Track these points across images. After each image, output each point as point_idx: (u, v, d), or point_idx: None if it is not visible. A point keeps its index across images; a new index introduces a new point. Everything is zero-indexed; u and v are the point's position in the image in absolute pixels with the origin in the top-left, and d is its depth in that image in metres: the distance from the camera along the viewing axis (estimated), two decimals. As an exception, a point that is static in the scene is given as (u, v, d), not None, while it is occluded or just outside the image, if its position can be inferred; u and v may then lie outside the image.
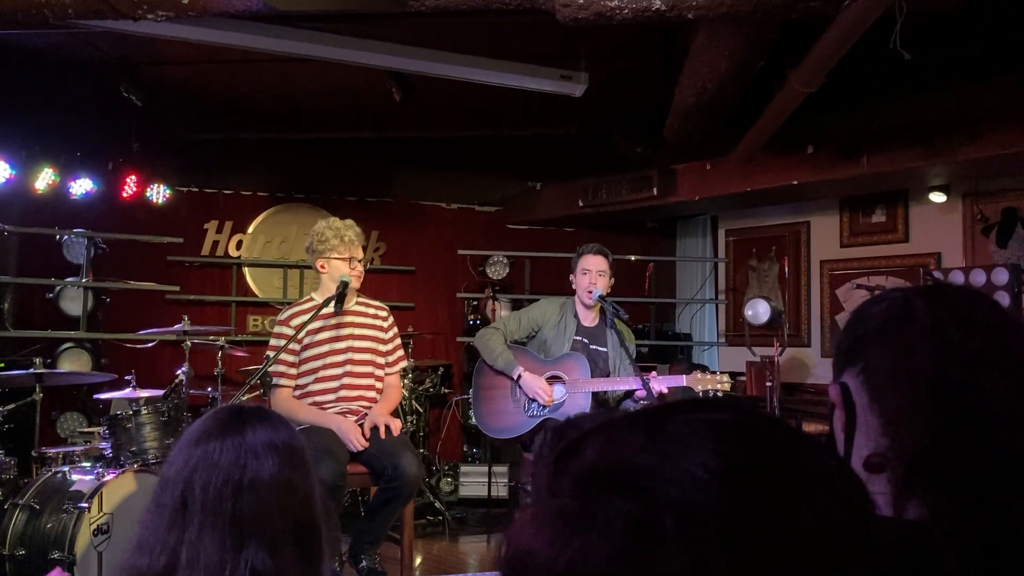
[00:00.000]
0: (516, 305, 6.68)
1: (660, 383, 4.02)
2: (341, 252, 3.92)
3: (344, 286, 3.84)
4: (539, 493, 0.57)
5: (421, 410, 6.44)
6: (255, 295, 7.02)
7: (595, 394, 4.21)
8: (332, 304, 3.83)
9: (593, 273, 4.28)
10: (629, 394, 4.23)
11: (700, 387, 4.08)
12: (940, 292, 0.96)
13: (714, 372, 4.18)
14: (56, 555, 3.62)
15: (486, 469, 6.38)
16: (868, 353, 0.95)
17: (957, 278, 5.14)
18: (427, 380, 6.56)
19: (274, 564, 1.37)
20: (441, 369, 6.82)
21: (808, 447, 0.56)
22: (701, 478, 0.50)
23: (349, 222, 4.03)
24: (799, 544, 0.50)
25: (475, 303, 7.17)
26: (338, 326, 3.94)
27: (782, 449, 0.54)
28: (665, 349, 7.18)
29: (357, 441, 3.68)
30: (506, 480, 6.39)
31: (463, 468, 6.52)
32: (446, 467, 6.58)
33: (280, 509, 1.40)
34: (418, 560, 5.17)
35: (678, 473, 0.51)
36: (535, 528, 0.54)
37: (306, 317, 3.85)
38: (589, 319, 4.41)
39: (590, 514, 0.51)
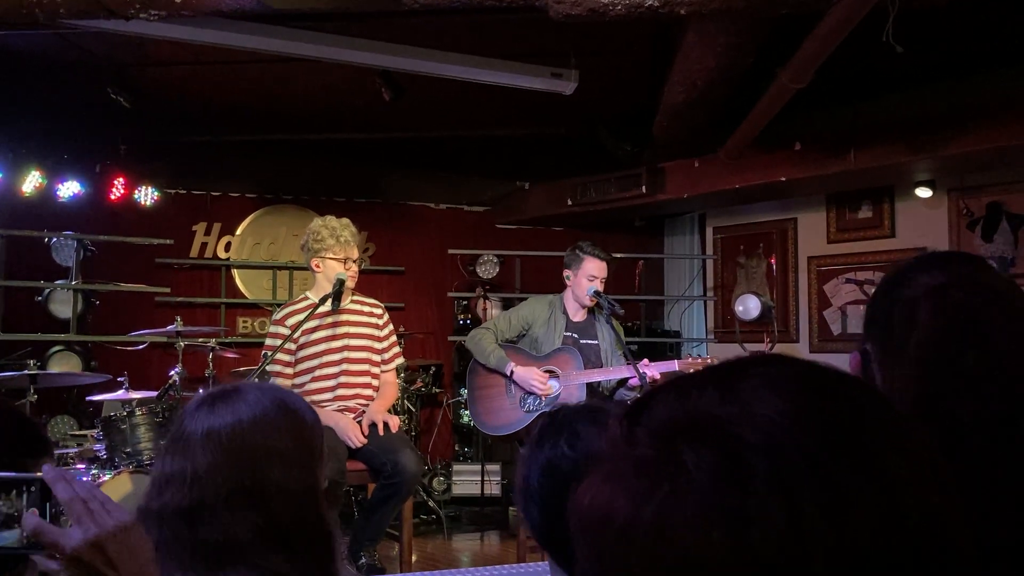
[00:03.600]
0: (507, 304, 6.70)
1: (653, 369, 4.05)
2: (336, 252, 3.92)
3: (340, 284, 3.85)
4: (611, 450, 0.56)
5: (413, 409, 6.45)
6: (244, 297, 6.99)
7: (589, 385, 4.23)
8: (329, 303, 3.83)
9: (599, 280, 4.30)
10: (623, 383, 4.26)
11: (692, 371, 4.11)
12: (977, 276, 0.97)
13: (705, 357, 4.21)
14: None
15: (478, 468, 6.39)
16: (901, 333, 0.97)
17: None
18: (418, 380, 6.57)
19: None
20: (432, 369, 6.83)
21: (879, 394, 0.56)
22: (788, 424, 0.50)
23: (345, 221, 4.02)
24: (891, 485, 0.50)
25: (465, 302, 7.18)
26: (334, 324, 3.94)
27: (860, 396, 0.55)
28: (655, 346, 7.21)
29: (356, 438, 3.69)
30: (499, 479, 6.40)
31: (455, 467, 6.53)
32: (438, 466, 6.58)
33: (241, 521, 1.23)
34: (413, 559, 5.18)
35: (764, 420, 0.50)
36: (611, 483, 0.54)
37: (302, 316, 3.85)
38: (579, 315, 4.43)
39: (673, 464, 0.51)
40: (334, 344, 3.92)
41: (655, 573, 0.50)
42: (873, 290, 1.04)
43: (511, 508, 6.03)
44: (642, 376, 3.94)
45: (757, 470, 0.49)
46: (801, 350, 6.87)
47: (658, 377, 4.08)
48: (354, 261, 3.98)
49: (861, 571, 0.48)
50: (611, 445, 0.57)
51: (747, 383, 0.54)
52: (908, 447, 0.53)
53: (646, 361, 4.11)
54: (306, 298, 4.03)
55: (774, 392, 0.52)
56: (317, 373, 3.89)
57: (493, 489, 6.38)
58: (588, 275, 4.30)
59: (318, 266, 3.96)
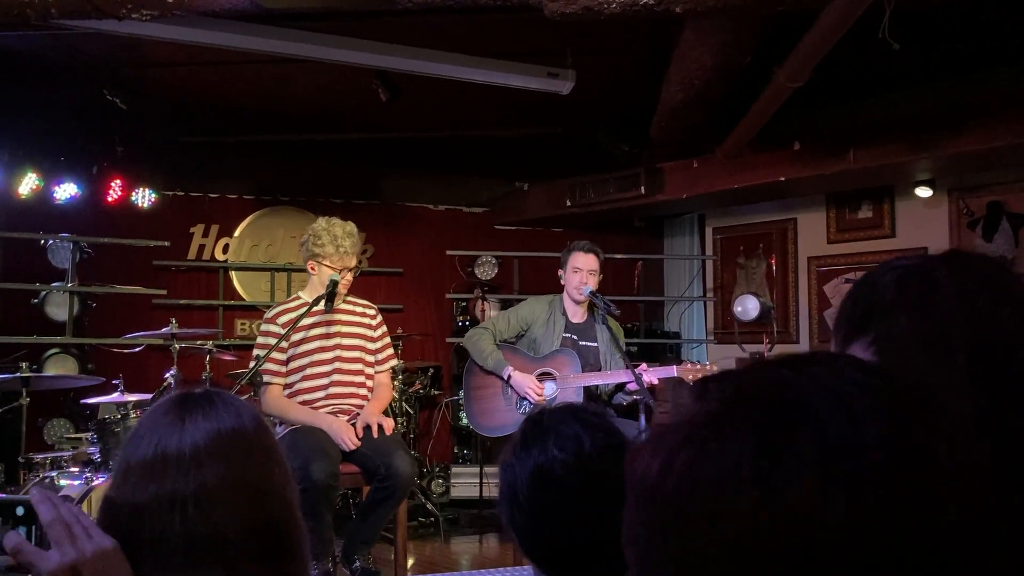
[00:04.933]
0: (505, 305, 6.67)
1: (651, 375, 4.02)
2: (334, 261, 3.87)
3: (334, 285, 3.81)
4: (679, 409, 0.57)
5: (411, 411, 6.42)
6: (242, 299, 6.97)
7: (586, 389, 4.20)
8: (322, 303, 3.80)
9: (584, 272, 4.28)
10: (620, 387, 4.23)
11: (691, 377, 4.07)
12: (960, 258, 0.92)
13: (704, 363, 4.19)
14: None
15: (477, 470, 6.36)
16: (883, 322, 0.90)
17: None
18: (417, 381, 6.54)
19: None
20: (431, 370, 6.81)
21: (936, 398, 0.55)
22: (856, 409, 0.50)
23: (350, 228, 3.94)
24: (934, 490, 0.48)
25: (464, 304, 7.16)
26: (326, 324, 3.91)
27: (920, 398, 0.54)
28: (654, 347, 7.18)
29: (350, 440, 3.65)
30: (498, 481, 6.35)
31: (454, 469, 6.50)
32: (437, 468, 6.55)
33: (236, 516, 1.20)
34: (411, 562, 5.14)
35: (831, 398, 0.50)
36: (660, 438, 0.54)
37: (294, 315, 3.83)
38: (578, 316, 4.40)
39: (731, 419, 0.50)
40: (326, 344, 3.89)
41: (682, 532, 0.50)
42: (855, 287, 0.98)
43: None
44: (639, 379, 3.91)
45: (803, 447, 0.48)
46: (801, 351, 6.83)
47: (656, 382, 4.05)
48: (350, 270, 3.93)
49: (885, 562, 0.47)
50: (678, 408, 0.58)
51: (817, 371, 0.54)
52: (959, 449, 0.51)
53: (644, 366, 4.08)
54: (298, 297, 4.00)
55: (849, 380, 0.52)
56: (308, 372, 3.85)
57: (492, 492, 6.35)
58: (573, 267, 4.30)
59: (313, 268, 3.94)
